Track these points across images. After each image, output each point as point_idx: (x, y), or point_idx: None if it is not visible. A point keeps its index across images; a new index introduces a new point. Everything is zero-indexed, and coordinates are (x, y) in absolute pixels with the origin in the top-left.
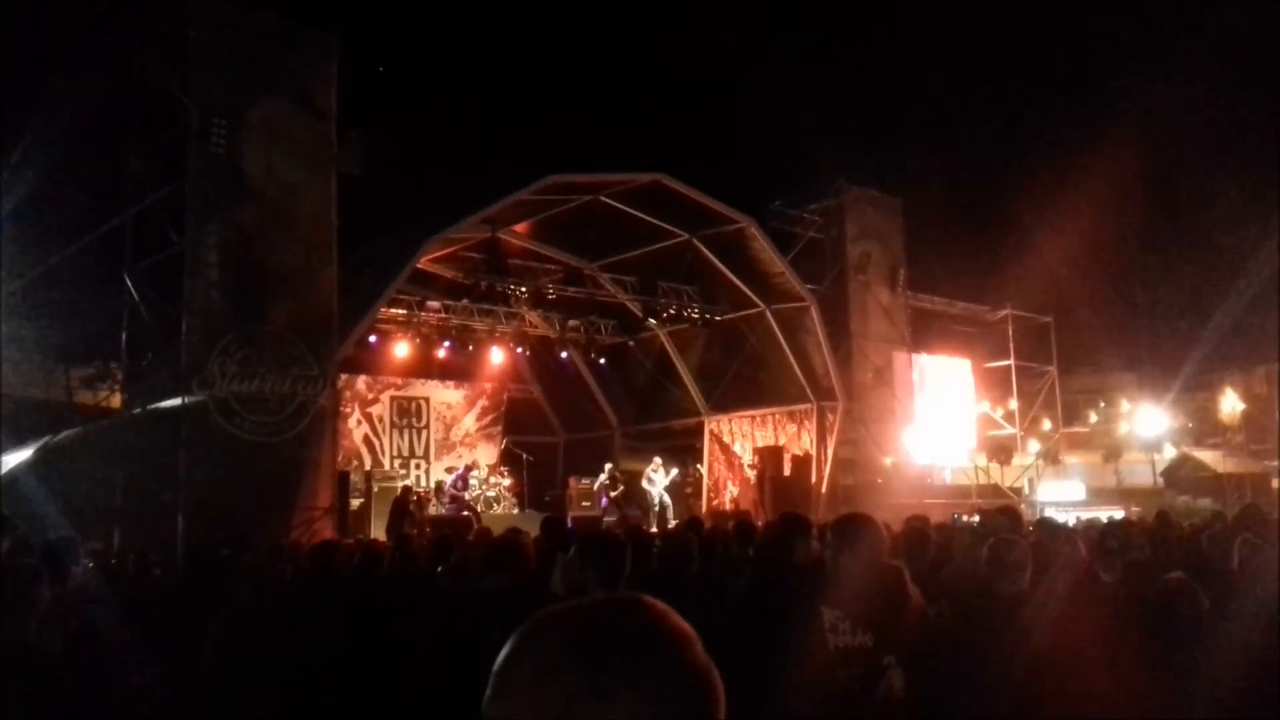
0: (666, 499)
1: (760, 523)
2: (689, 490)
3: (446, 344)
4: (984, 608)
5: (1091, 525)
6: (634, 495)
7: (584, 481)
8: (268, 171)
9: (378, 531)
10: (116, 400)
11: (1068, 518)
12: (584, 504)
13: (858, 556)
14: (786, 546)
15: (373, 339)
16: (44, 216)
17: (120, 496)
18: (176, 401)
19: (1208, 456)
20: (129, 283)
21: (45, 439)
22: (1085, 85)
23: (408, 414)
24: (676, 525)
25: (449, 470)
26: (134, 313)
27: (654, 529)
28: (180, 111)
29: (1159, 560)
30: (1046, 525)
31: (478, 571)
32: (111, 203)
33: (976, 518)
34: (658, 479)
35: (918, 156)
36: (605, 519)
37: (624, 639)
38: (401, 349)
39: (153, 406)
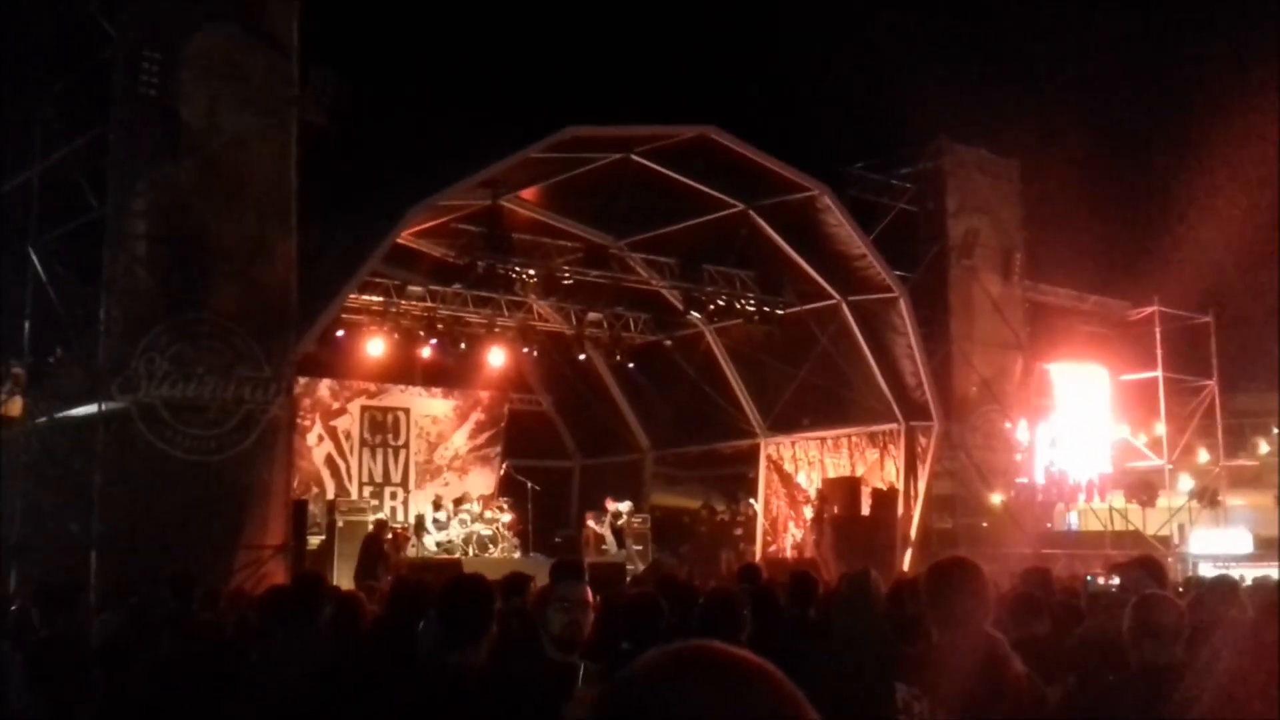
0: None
1: (824, 577)
2: (739, 532)
3: (433, 341)
4: (1123, 685)
5: (1263, 585)
6: (668, 538)
7: (603, 519)
8: (211, 119)
9: (343, 577)
10: (16, 407)
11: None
12: (603, 548)
13: (954, 618)
14: None
15: (340, 333)
16: None
17: (19, 527)
18: (92, 409)
19: None
20: (34, 258)
21: None
22: (1261, 10)
23: (382, 429)
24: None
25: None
26: (40, 297)
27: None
28: (102, 42)
29: None
30: (1222, 584)
31: None
32: (14, 157)
33: (1116, 580)
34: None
35: (1039, 106)
36: None
37: None
38: (376, 346)
39: (61, 415)
